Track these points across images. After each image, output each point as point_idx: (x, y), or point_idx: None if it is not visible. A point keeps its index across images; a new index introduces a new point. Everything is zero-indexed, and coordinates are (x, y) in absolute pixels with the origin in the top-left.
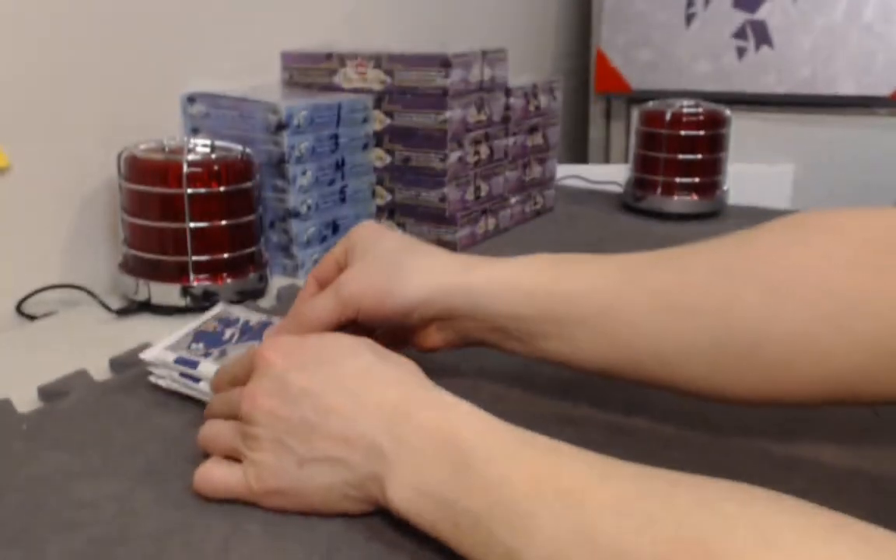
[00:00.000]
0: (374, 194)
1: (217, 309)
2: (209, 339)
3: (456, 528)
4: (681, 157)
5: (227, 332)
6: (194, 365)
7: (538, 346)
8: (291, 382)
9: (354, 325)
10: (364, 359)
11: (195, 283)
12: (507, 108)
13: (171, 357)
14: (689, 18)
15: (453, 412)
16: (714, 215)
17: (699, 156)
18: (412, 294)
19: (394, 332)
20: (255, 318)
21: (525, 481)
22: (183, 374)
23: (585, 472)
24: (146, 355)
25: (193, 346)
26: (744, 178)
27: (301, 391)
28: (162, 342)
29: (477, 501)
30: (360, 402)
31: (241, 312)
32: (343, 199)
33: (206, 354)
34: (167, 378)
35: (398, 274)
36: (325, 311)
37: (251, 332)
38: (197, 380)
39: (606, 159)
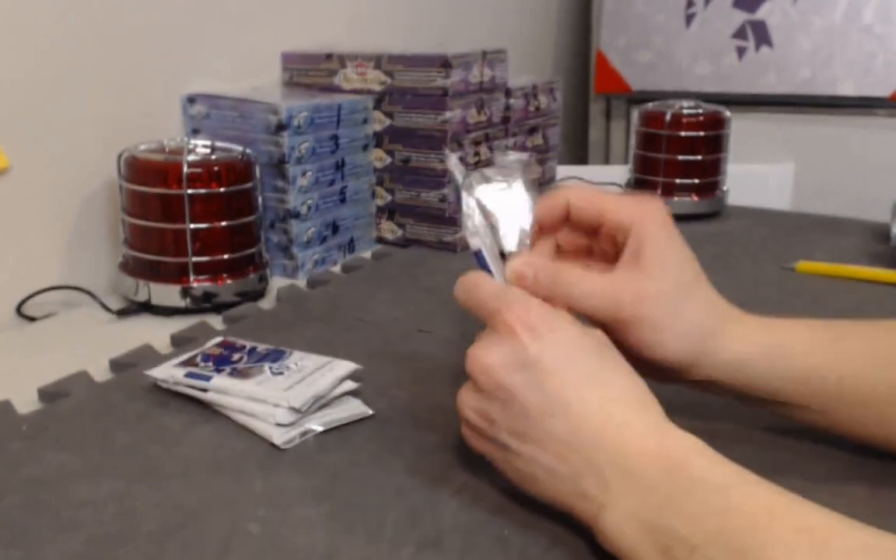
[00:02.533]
0: (374, 195)
1: (218, 338)
2: (218, 360)
3: (666, 553)
4: (680, 157)
5: (235, 355)
6: (207, 379)
7: (792, 415)
8: (528, 363)
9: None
10: (590, 362)
11: (195, 284)
12: (507, 108)
13: (180, 373)
14: (689, 19)
15: (677, 439)
16: (714, 216)
17: (699, 156)
18: (688, 351)
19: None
20: (260, 345)
21: (758, 514)
22: (190, 385)
23: (826, 516)
24: (154, 373)
25: (203, 363)
26: (744, 179)
27: (530, 383)
28: (167, 363)
29: (697, 528)
30: (578, 415)
31: (245, 341)
32: (343, 200)
33: (217, 371)
34: (169, 380)
35: (682, 323)
36: (596, 304)
37: (258, 355)
38: (206, 390)
39: (606, 160)
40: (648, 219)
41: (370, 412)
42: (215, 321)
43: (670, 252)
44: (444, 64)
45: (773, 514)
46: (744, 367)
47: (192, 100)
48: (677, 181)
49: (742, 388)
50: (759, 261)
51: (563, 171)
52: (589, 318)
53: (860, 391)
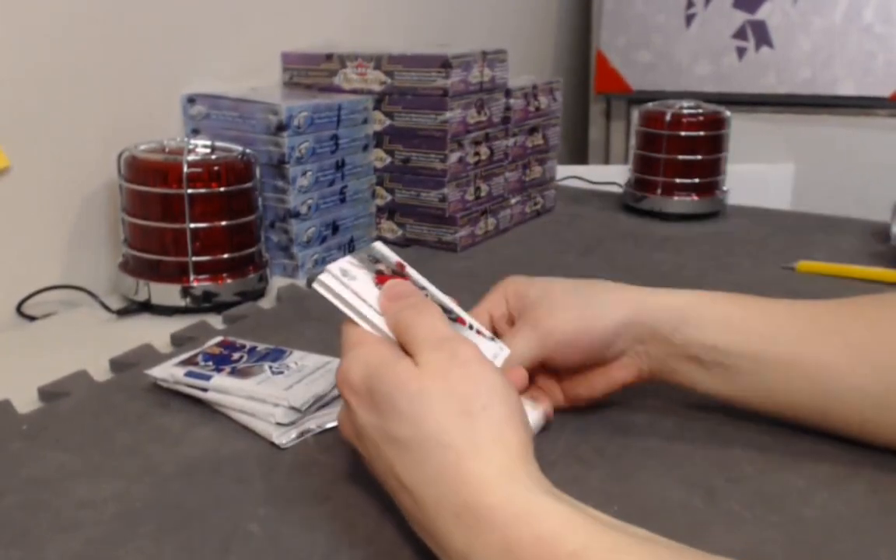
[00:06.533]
0: (374, 195)
1: (218, 338)
2: (218, 359)
3: None
4: (681, 157)
5: (235, 355)
6: (207, 378)
7: (730, 382)
8: (363, 426)
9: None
10: (449, 419)
11: (195, 284)
12: (508, 108)
13: (181, 372)
14: (689, 19)
15: (542, 512)
16: (714, 216)
17: (699, 156)
18: (616, 316)
19: (579, 376)
20: (260, 345)
21: None
22: (190, 385)
23: None
24: (154, 372)
25: (203, 362)
26: (744, 179)
27: (371, 441)
28: (167, 362)
29: None
30: (411, 501)
31: (245, 340)
32: (343, 200)
33: (218, 370)
34: (169, 379)
35: (594, 302)
36: (526, 350)
37: (258, 354)
38: (206, 389)
39: (606, 160)
40: (510, 289)
41: None
42: (215, 321)
43: (539, 282)
44: (444, 64)
45: None
46: (682, 316)
47: (192, 100)
48: (677, 181)
49: (681, 346)
50: (759, 261)
51: (563, 170)
52: (545, 366)
53: (787, 352)
